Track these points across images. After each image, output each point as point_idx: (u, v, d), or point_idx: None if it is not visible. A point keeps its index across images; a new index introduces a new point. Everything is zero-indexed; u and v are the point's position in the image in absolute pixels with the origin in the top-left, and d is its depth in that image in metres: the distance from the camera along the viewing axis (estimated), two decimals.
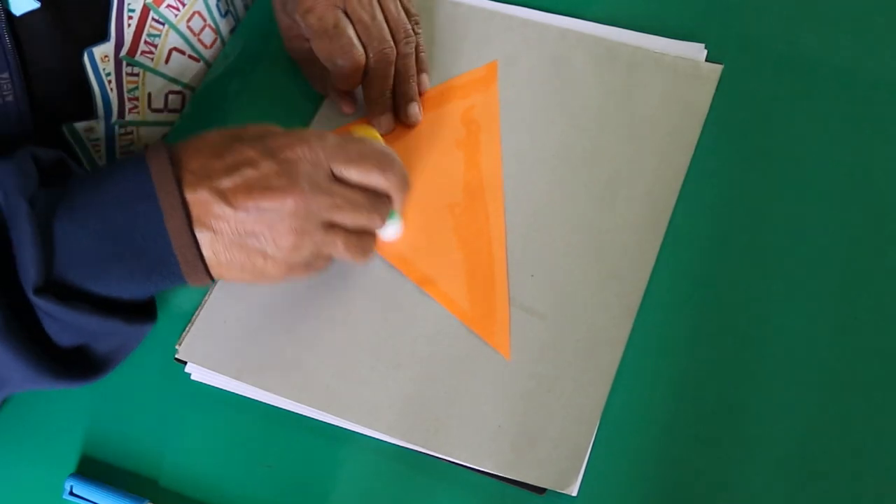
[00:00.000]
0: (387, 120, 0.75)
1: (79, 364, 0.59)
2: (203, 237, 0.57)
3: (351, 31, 0.73)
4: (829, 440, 0.62)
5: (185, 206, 0.57)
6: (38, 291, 0.55)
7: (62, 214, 0.56)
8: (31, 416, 0.67)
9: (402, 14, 0.76)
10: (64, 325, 0.56)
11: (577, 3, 0.81)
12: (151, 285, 0.58)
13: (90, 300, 0.57)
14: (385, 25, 0.74)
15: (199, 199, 0.57)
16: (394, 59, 0.74)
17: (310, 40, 0.75)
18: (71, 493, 0.62)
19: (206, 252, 0.58)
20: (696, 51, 0.78)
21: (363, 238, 0.63)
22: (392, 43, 0.74)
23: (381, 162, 0.61)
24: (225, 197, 0.57)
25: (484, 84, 0.78)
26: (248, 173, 0.58)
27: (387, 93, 0.74)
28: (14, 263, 0.55)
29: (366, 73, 0.74)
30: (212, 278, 0.59)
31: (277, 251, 0.58)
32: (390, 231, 0.68)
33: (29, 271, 0.55)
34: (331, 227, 0.60)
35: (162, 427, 0.65)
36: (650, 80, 0.77)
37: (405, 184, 0.63)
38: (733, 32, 0.79)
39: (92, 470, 0.64)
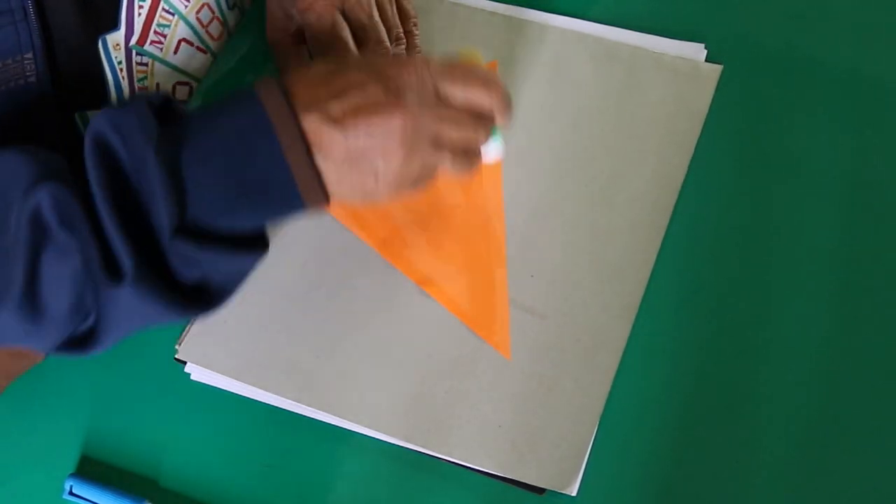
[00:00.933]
0: None
1: (200, 295, 0.59)
2: (321, 163, 0.58)
3: (347, 33, 0.73)
4: (829, 440, 0.62)
5: (302, 136, 0.57)
6: (175, 234, 0.55)
7: (186, 157, 0.56)
8: (31, 416, 0.67)
9: (396, 17, 0.76)
10: (195, 266, 0.57)
11: (577, 3, 0.81)
12: (276, 216, 0.59)
13: (219, 237, 0.57)
14: (381, 26, 0.74)
15: (311, 127, 0.58)
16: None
17: (306, 38, 0.75)
18: (71, 493, 0.62)
19: (325, 178, 0.58)
20: (696, 51, 0.78)
21: (469, 153, 0.63)
22: (388, 44, 0.74)
23: (485, 81, 0.62)
24: (335, 121, 0.58)
25: None
26: (356, 96, 0.58)
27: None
28: (142, 210, 0.56)
29: None
30: (328, 200, 0.60)
31: (388, 170, 0.59)
32: (493, 149, 0.66)
33: (163, 218, 0.55)
34: (438, 142, 0.61)
35: (162, 427, 0.65)
36: (650, 80, 0.77)
37: (508, 102, 0.64)
38: (733, 32, 0.79)
39: (92, 470, 0.64)
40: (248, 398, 0.66)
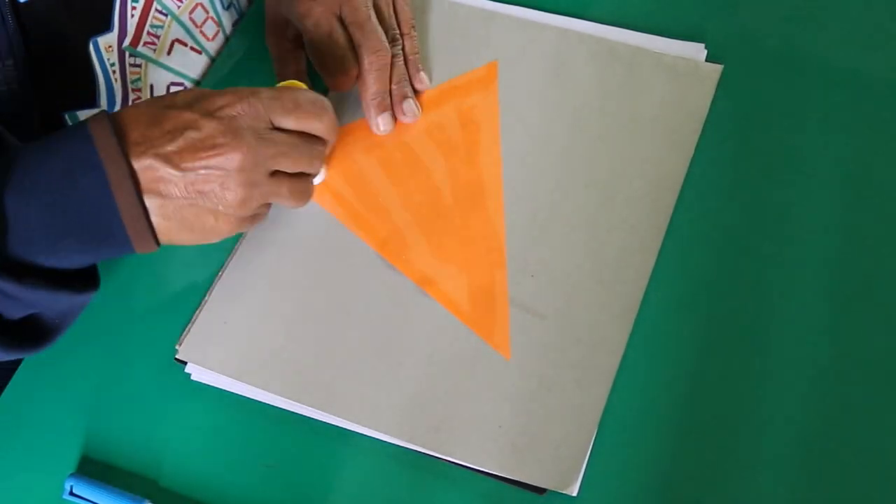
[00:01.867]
0: (385, 119, 0.75)
1: (27, 333, 0.60)
2: (152, 204, 0.58)
3: (344, 41, 0.73)
4: (830, 440, 0.62)
5: (132, 176, 0.57)
6: None
7: (10, 190, 0.56)
8: (31, 416, 0.67)
9: (393, 19, 0.76)
10: (16, 300, 0.57)
11: (577, 3, 0.81)
12: (100, 255, 0.59)
13: (41, 273, 0.57)
14: (379, 28, 0.74)
15: (145, 165, 0.57)
16: (388, 61, 0.74)
17: (304, 43, 0.75)
18: (71, 493, 0.62)
19: (155, 219, 0.58)
20: (696, 51, 0.78)
21: (303, 182, 0.65)
22: (387, 45, 0.74)
23: (316, 108, 0.63)
24: (171, 160, 0.58)
25: (484, 84, 0.78)
26: (191, 135, 0.58)
27: (383, 93, 0.75)
28: None
29: (360, 76, 0.74)
30: (158, 245, 0.60)
31: (228, 207, 0.59)
32: (318, 176, 0.70)
33: None
34: (275, 175, 0.62)
35: (162, 427, 0.65)
36: (650, 79, 0.77)
37: (335, 127, 0.66)
38: (733, 32, 0.79)
39: (92, 470, 0.64)
40: (248, 398, 0.66)
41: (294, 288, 0.69)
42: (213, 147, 0.58)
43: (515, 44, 0.79)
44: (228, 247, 0.71)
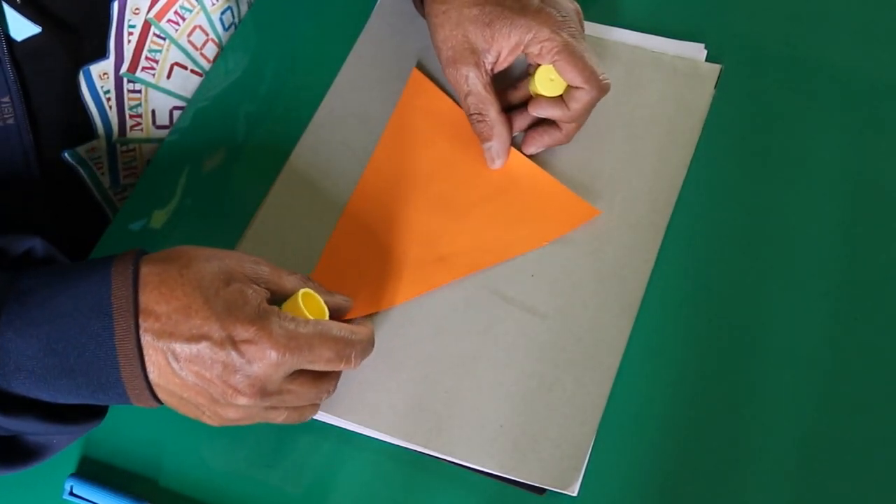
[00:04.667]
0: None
1: (11, 452, 0.58)
2: (156, 379, 0.55)
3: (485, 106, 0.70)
4: (829, 440, 0.62)
5: (139, 352, 0.54)
6: None
7: (13, 319, 0.54)
8: None
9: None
10: (7, 430, 0.55)
11: (578, 3, 0.81)
12: (96, 401, 0.56)
13: (36, 410, 0.55)
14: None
15: (154, 347, 0.54)
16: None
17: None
18: (71, 494, 0.62)
19: (158, 391, 0.56)
20: (696, 51, 0.78)
21: (305, 411, 0.60)
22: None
23: (342, 353, 0.57)
24: (178, 362, 0.55)
25: None
26: (206, 354, 0.54)
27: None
28: None
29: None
30: (160, 404, 0.57)
31: (216, 419, 0.57)
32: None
33: None
34: (274, 410, 0.58)
35: (162, 427, 0.65)
36: (650, 79, 0.77)
37: (365, 356, 0.59)
38: (733, 32, 0.79)
39: (92, 470, 0.64)
40: None
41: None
42: (222, 380, 0.55)
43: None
44: (228, 247, 0.71)
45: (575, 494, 0.60)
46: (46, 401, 0.55)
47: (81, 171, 0.76)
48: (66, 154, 0.73)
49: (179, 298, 0.55)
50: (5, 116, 0.66)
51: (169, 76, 0.78)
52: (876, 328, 0.66)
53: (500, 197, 0.71)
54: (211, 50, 0.81)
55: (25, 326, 0.54)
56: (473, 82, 0.70)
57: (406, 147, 0.74)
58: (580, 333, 0.66)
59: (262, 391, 0.55)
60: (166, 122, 0.80)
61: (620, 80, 0.77)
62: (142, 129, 0.78)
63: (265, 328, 0.54)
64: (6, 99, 0.66)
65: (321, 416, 0.64)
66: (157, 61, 0.76)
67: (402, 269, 0.68)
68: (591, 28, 0.80)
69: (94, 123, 0.74)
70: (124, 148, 0.78)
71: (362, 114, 0.76)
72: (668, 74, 0.77)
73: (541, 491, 0.61)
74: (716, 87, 0.76)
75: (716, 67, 0.77)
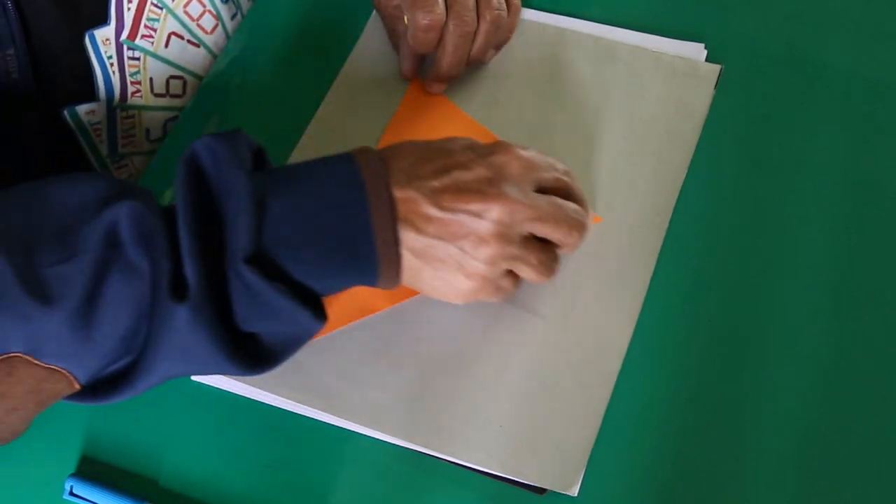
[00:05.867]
0: (438, 89, 0.76)
1: (253, 352, 0.57)
2: (405, 235, 0.57)
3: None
4: (830, 441, 0.62)
5: (391, 202, 0.56)
6: (247, 262, 0.53)
7: (274, 191, 0.56)
8: None
9: None
10: (256, 304, 0.55)
11: (577, 3, 0.81)
12: (343, 278, 0.57)
13: (288, 284, 0.55)
14: None
15: (407, 196, 0.57)
16: (473, 31, 0.73)
17: None
18: (71, 494, 0.62)
19: (405, 251, 0.57)
20: (696, 51, 0.78)
21: (551, 253, 0.62)
22: (475, 15, 0.72)
23: (578, 218, 0.62)
24: (434, 197, 0.57)
25: None
26: (459, 175, 0.58)
27: (456, 67, 0.74)
28: (219, 233, 0.54)
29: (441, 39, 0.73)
30: (399, 281, 0.58)
31: (474, 259, 0.58)
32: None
33: (242, 240, 0.54)
34: (527, 241, 0.60)
35: (162, 427, 0.65)
36: (650, 79, 0.77)
37: (582, 239, 0.63)
38: (733, 32, 0.79)
39: (92, 470, 0.64)
40: (248, 398, 0.66)
41: None
42: (478, 192, 0.57)
43: (515, 44, 0.79)
44: None
45: (575, 495, 0.60)
46: (296, 278, 0.56)
47: (80, 136, 0.76)
48: (65, 113, 0.73)
49: (418, 150, 0.59)
50: (10, 70, 0.66)
51: (167, 45, 0.79)
52: (876, 328, 0.66)
53: None
54: (208, 21, 0.82)
55: (290, 196, 0.55)
56: (385, 3, 0.77)
57: None
58: (581, 334, 0.66)
59: (519, 194, 0.58)
60: (163, 91, 0.81)
61: (620, 81, 0.77)
62: (141, 96, 0.79)
63: (508, 145, 0.61)
64: (10, 51, 0.67)
65: (321, 416, 0.64)
66: (154, 30, 0.77)
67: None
68: (592, 28, 0.80)
69: (98, 85, 0.75)
70: (124, 114, 0.79)
71: (362, 115, 0.76)
72: (668, 74, 0.77)
73: (541, 491, 0.61)
74: (716, 87, 0.76)
75: (716, 67, 0.77)
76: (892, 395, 0.63)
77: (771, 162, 0.72)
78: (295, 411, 0.65)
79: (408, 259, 0.57)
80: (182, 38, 0.80)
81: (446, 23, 0.71)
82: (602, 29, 0.80)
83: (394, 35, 0.78)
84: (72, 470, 0.64)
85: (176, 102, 0.82)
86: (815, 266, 0.68)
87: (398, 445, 0.63)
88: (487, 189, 0.58)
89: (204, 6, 0.81)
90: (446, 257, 0.58)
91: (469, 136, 0.73)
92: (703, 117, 0.74)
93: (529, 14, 0.81)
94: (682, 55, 0.77)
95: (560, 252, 0.63)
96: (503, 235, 0.58)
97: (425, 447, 0.62)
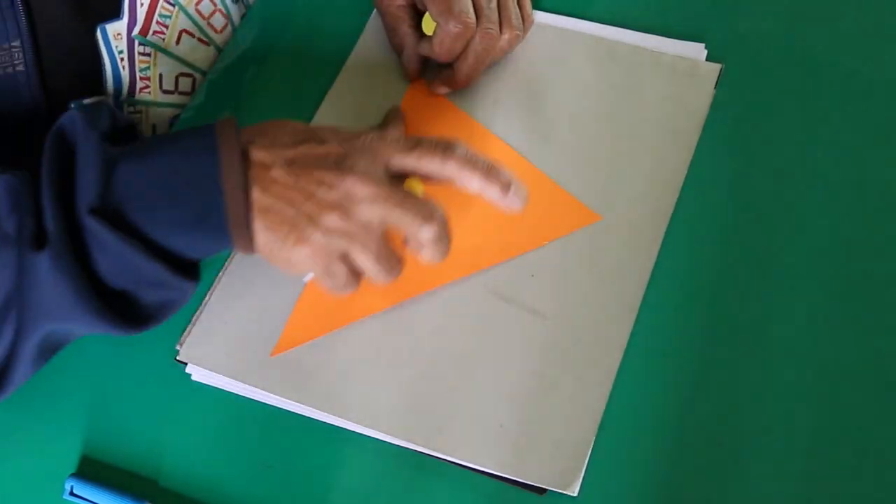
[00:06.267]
0: (443, 91, 0.76)
1: (124, 310, 0.59)
2: (254, 195, 0.58)
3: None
4: (830, 440, 0.62)
5: (243, 163, 0.58)
6: (93, 212, 0.56)
7: (126, 154, 0.58)
8: (32, 417, 0.67)
9: (516, 6, 0.75)
10: (112, 257, 0.57)
11: (577, 3, 0.81)
12: (197, 239, 0.59)
13: (138, 238, 0.57)
14: (496, 10, 0.73)
15: (259, 159, 0.58)
16: (496, 45, 0.73)
17: None
18: (71, 494, 0.62)
19: (255, 214, 0.58)
20: (696, 51, 0.78)
21: (395, 254, 0.62)
22: (499, 30, 0.73)
23: (428, 213, 0.60)
24: (286, 163, 0.58)
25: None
26: (314, 147, 0.60)
27: (472, 78, 0.74)
28: (74, 187, 0.57)
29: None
30: (254, 249, 0.59)
31: (309, 225, 0.58)
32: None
33: (88, 191, 0.56)
34: (371, 227, 0.60)
35: (162, 427, 0.65)
36: (649, 79, 0.77)
37: (441, 243, 0.61)
38: (733, 32, 0.79)
39: (92, 470, 0.64)
40: (248, 398, 0.66)
41: (295, 288, 0.69)
42: (330, 165, 0.59)
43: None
44: None
45: (575, 494, 0.60)
46: (151, 236, 0.57)
47: None
48: (72, 106, 0.74)
49: (273, 123, 0.61)
50: (15, 62, 0.67)
51: (178, 42, 0.79)
52: (877, 328, 0.65)
53: None
54: (219, 20, 0.82)
55: (139, 158, 0.58)
56: (388, 3, 0.78)
57: None
58: (580, 334, 0.66)
59: (368, 173, 0.59)
60: (172, 88, 0.81)
61: (620, 80, 0.77)
62: (150, 92, 0.79)
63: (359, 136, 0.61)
64: (16, 44, 0.67)
65: (321, 416, 0.64)
66: (166, 27, 0.78)
67: (401, 270, 0.68)
68: (592, 28, 0.80)
69: (106, 79, 0.75)
70: (131, 109, 0.79)
71: (362, 115, 0.76)
72: (668, 74, 0.77)
73: (541, 491, 0.61)
74: (716, 87, 0.76)
75: (716, 67, 0.77)
76: (892, 395, 0.63)
77: (771, 161, 0.72)
78: (295, 411, 0.65)
79: (257, 219, 0.58)
80: (193, 35, 0.81)
81: (471, 40, 0.72)
82: (602, 29, 0.80)
83: (394, 35, 0.78)
84: (72, 470, 0.64)
85: (184, 100, 0.82)
86: (815, 265, 0.68)
87: (398, 445, 0.63)
88: (340, 163, 0.59)
89: (215, 5, 0.82)
90: (284, 220, 0.58)
91: (469, 135, 0.74)
92: (703, 117, 0.74)
93: None
94: (682, 55, 0.77)
95: (420, 252, 0.61)
96: (344, 209, 0.58)
97: (425, 447, 0.62)
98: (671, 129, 0.74)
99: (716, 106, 0.75)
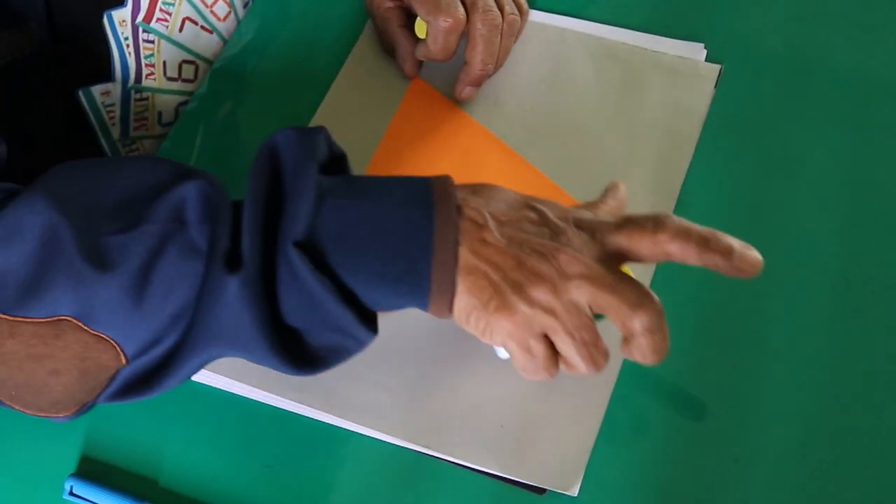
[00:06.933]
0: (469, 93, 0.75)
1: (294, 347, 0.56)
2: (463, 256, 0.54)
3: None
4: (830, 441, 0.62)
5: (456, 224, 0.54)
6: (297, 245, 0.52)
7: (337, 190, 0.55)
8: (32, 417, 0.67)
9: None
10: (303, 295, 0.53)
11: (577, 3, 0.81)
12: (393, 293, 0.55)
13: (333, 281, 0.54)
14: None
15: (472, 217, 0.55)
16: (500, 25, 0.73)
17: None
18: (71, 493, 0.62)
19: (459, 274, 0.54)
20: (695, 51, 0.78)
21: (600, 343, 0.56)
22: (499, 11, 0.73)
23: (644, 300, 0.54)
24: (499, 226, 0.55)
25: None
26: (528, 213, 0.56)
27: (489, 66, 0.74)
28: (279, 218, 0.54)
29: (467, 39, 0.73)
30: (451, 312, 0.55)
31: (514, 294, 0.54)
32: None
33: (297, 223, 0.53)
34: (578, 311, 0.55)
35: (162, 427, 0.65)
36: (649, 79, 0.77)
37: (655, 333, 0.54)
38: (733, 32, 0.79)
39: (92, 470, 0.64)
40: (248, 398, 0.66)
41: None
42: (542, 235, 0.55)
43: (515, 44, 0.79)
44: None
45: (575, 495, 0.60)
46: (346, 282, 0.54)
47: (92, 118, 0.77)
48: (80, 93, 0.74)
49: (495, 192, 0.57)
50: (32, 44, 0.67)
51: (181, 30, 0.80)
52: (876, 328, 0.66)
53: None
54: (221, 9, 0.83)
55: (352, 198, 0.54)
56: (377, 5, 0.78)
57: (407, 150, 0.74)
58: None
59: (561, 279, 0.54)
60: (175, 75, 0.82)
61: (620, 80, 0.77)
62: (155, 79, 0.80)
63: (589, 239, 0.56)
64: (33, 26, 0.67)
65: (321, 416, 0.64)
66: (169, 14, 0.78)
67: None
68: (592, 28, 0.80)
69: (114, 65, 0.76)
70: (138, 96, 0.80)
71: (362, 115, 0.76)
72: (667, 74, 0.77)
73: (541, 491, 0.61)
74: (716, 87, 0.76)
75: (716, 67, 0.77)
76: (891, 395, 0.63)
77: (771, 161, 0.72)
78: (295, 411, 0.65)
79: (462, 281, 0.55)
80: (196, 23, 0.81)
81: (472, 22, 0.72)
82: (602, 29, 0.80)
83: (385, 36, 0.78)
84: (72, 470, 0.64)
85: (188, 87, 0.83)
86: (815, 265, 0.68)
87: (398, 445, 0.63)
88: (555, 237, 0.55)
89: None
90: (489, 284, 0.54)
91: (469, 135, 0.74)
92: (703, 117, 0.74)
93: (530, 14, 0.81)
94: (682, 55, 0.77)
95: (632, 347, 0.55)
96: (554, 284, 0.54)
97: (426, 447, 0.62)
98: (671, 129, 0.74)
99: (715, 106, 0.75)
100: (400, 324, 0.67)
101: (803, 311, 0.66)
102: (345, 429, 0.64)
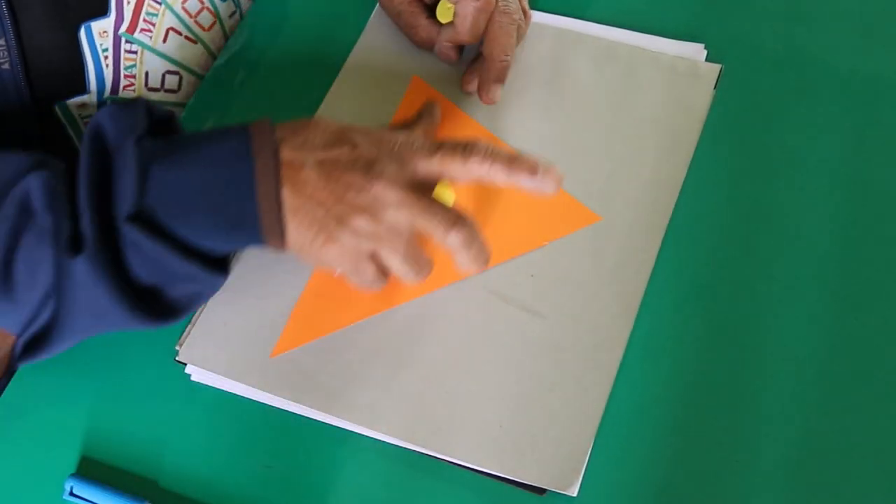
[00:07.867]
0: (496, 93, 0.75)
1: (153, 305, 0.61)
2: (285, 195, 0.59)
3: None
4: (830, 440, 0.62)
5: (276, 166, 0.58)
6: (129, 219, 0.57)
7: (162, 158, 0.59)
8: (31, 416, 0.67)
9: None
10: (148, 260, 0.58)
11: (577, 3, 0.81)
12: (231, 240, 0.61)
13: (173, 242, 0.59)
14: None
15: (291, 159, 0.59)
16: (517, 20, 0.74)
17: None
18: (71, 494, 0.62)
19: (286, 214, 0.59)
20: (695, 51, 0.78)
21: (424, 255, 0.62)
22: (518, 7, 0.74)
23: (454, 219, 0.60)
24: (317, 164, 0.59)
25: None
26: (346, 150, 0.60)
27: (509, 57, 0.74)
28: (111, 193, 0.58)
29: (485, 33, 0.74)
30: (285, 241, 0.60)
31: (338, 226, 0.59)
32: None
33: (125, 199, 0.58)
34: (400, 230, 0.60)
35: (162, 427, 0.65)
36: (649, 79, 0.77)
37: (471, 243, 0.61)
38: (733, 32, 0.79)
39: (92, 470, 0.64)
40: (248, 399, 0.66)
41: (293, 289, 0.69)
42: (361, 168, 0.59)
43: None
44: None
45: (575, 495, 0.60)
46: (185, 238, 0.59)
47: (70, 129, 0.77)
48: (56, 108, 0.74)
49: (312, 128, 0.61)
50: (0, 60, 0.68)
51: (165, 40, 0.80)
52: (876, 328, 0.66)
53: (500, 201, 0.71)
54: (206, 19, 0.82)
55: (175, 163, 0.59)
56: (398, 2, 0.79)
57: None
58: (580, 334, 0.66)
59: (397, 178, 0.59)
60: (158, 85, 0.82)
61: (620, 81, 0.77)
62: (134, 90, 0.80)
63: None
64: (1, 42, 0.68)
65: (321, 416, 0.64)
66: (153, 24, 0.78)
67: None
68: (592, 28, 0.80)
69: (88, 78, 0.75)
70: None
71: (363, 115, 0.76)
72: (667, 74, 0.77)
73: (541, 491, 0.61)
74: (716, 87, 0.76)
75: (716, 67, 0.77)
76: (890, 395, 0.63)
77: (771, 161, 0.72)
78: (295, 411, 0.65)
79: (290, 224, 0.59)
80: (180, 33, 0.81)
81: (492, 17, 0.73)
82: (602, 29, 0.80)
83: (416, 31, 0.78)
84: (72, 470, 0.64)
85: (170, 97, 0.82)
86: (815, 265, 0.68)
87: (398, 445, 0.63)
88: (369, 168, 0.59)
89: (202, 3, 0.82)
90: (314, 220, 0.59)
91: (469, 135, 0.74)
92: (703, 117, 0.74)
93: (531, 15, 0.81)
94: (682, 55, 0.77)
95: (456, 259, 0.61)
96: (373, 213, 0.59)
97: (425, 447, 0.62)
98: (671, 130, 0.74)
99: (716, 106, 0.75)
100: (400, 324, 0.67)
101: (803, 310, 0.66)
102: (345, 429, 0.64)
